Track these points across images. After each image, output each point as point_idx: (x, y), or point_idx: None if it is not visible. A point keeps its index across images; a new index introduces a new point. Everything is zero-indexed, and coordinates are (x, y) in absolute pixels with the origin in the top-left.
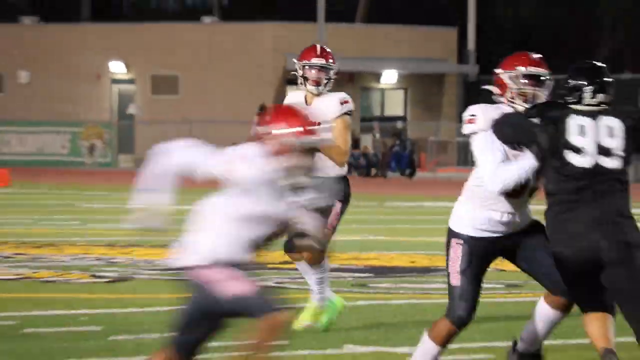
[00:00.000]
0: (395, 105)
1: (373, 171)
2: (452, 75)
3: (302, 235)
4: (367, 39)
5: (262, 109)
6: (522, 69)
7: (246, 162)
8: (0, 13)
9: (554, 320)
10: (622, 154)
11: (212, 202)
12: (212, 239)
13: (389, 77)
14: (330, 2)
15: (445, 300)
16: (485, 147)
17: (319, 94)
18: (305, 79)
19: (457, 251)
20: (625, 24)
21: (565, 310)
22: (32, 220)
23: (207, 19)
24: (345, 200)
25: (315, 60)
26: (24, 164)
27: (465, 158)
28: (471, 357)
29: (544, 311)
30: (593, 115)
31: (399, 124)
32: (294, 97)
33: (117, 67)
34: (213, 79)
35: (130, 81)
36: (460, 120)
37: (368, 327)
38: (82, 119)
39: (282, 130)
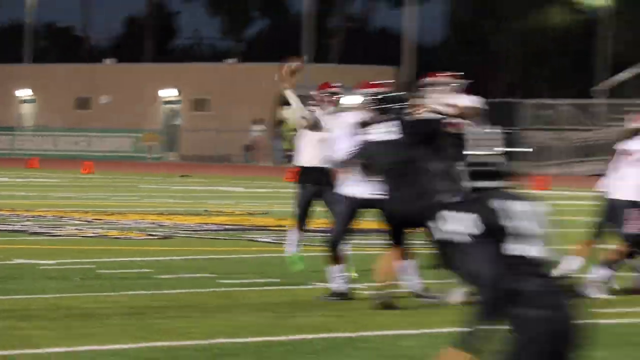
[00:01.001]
0: None
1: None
2: None
3: None
4: (339, 73)
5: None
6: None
7: None
8: (91, 58)
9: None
10: None
11: None
12: None
13: (355, 99)
14: (316, 49)
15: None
16: None
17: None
18: (322, 101)
19: None
20: (516, 62)
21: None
22: (106, 195)
23: (230, 60)
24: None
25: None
26: (103, 158)
27: None
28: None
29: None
30: None
31: None
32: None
33: (169, 93)
34: (234, 101)
35: (178, 102)
36: None
37: None
38: (143, 127)
39: None
